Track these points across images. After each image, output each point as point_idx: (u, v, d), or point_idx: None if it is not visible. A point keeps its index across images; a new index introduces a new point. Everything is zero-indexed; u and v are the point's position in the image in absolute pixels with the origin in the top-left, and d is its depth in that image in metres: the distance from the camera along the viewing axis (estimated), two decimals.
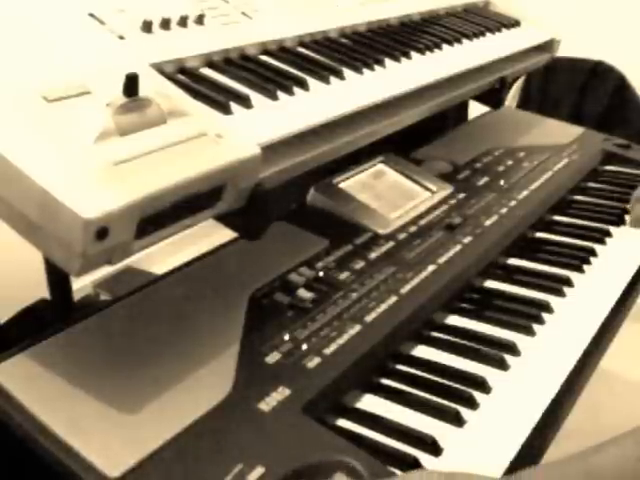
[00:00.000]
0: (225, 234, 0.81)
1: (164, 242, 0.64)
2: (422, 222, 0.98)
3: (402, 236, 0.94)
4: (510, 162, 1.21)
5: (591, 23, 2.19)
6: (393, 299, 0.81)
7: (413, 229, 0.96)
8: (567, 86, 2.11)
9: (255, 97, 0.78)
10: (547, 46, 1.38)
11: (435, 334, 0.82)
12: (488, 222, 1.01)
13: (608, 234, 1.07)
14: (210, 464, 0.58)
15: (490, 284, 0.93)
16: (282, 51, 0.92)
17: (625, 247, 1.05)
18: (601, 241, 1.05)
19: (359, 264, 0.87)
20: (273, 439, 0.61)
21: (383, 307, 0.80)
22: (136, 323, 0.73)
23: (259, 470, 0.57)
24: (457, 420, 0.69)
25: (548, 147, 1.29)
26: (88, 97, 0.62)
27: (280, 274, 0.82)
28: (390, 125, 0.96)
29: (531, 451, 0.67)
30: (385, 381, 0.74)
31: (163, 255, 1.10)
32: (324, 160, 0.85)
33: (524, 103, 2.11)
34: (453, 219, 1.00)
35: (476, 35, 1.21)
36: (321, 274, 0.84)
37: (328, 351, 0.72)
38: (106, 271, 1.03)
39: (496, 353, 0.78)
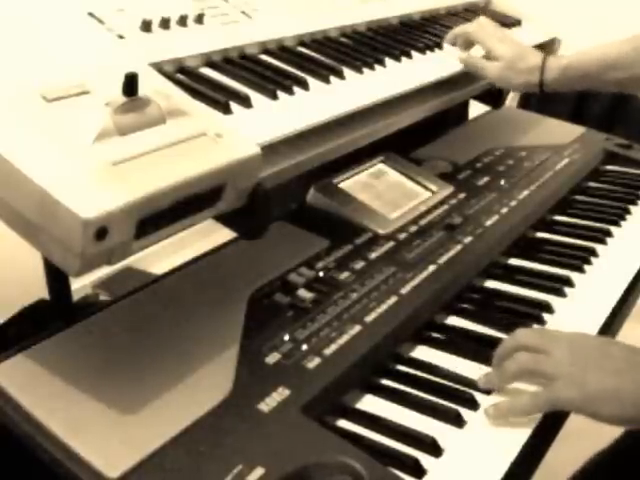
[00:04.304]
0: (225, 234, 0.81)
1: (164, 242, 0.64)
2: (422, 222, 0.98)
3: (402, 236, 0.94)
4: (511, 162, 1.21)
5: (592, 22, 2.19)
6: (393, 299, 0.81)
7: (413, 229, 0.96)
8: None
9: (255, 97, 0.77)
10: (548, 45, 1.38)
11: (435, 334, 0.82)
12: (489, 222, 1.01)
13: (609, 234, 1.07)
14: (210, 465, 0.58)
15: (491, 284, 0.93)
16: (282, 50, 0.92)
17: (626, 247, 1.05)
18: (602, 241, 1.05)
19: (359, 264, 0.86)
20: (273, 440, 0.61)
21: (383, 307, 0.79)
22: (136, 323, 0.72)
23: (259, 471, 0.57)
24: (457, 421, 0.68)
25: (549, 147, 1.29)
26: (87, 97, 0.61)
27: (280, 274, 0.82)
28: (390, 125, 0.96)
29: (532, 452, 0.67)
30: (385, 382, 0.74)
31: (163, 255, 1.10)
32: (324, 160, 0.85)
33: (525, 103, 2.10)
34: (453, 219, 0.99)
35: None
36: (321, 274, 0.83)
37: (328, 351, 0.72)
38: (105, 271, 1.03)
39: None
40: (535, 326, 0.83)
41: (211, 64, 0.83)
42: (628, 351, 0.71)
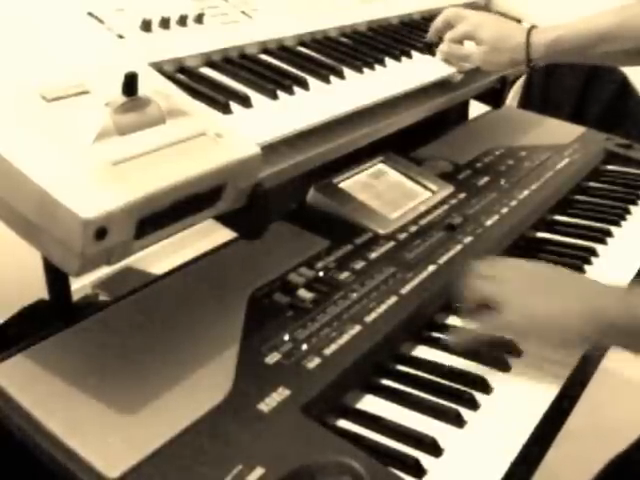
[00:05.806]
0: (225, 234, 0.81)
1: (164, 242, 0.64)
2: (422, 222, 0.98)
3: (402, 236, 0.94)
4: (511, 162, 1.21)
5: None
6: (393, 299, 0.81)
7: (413, 229, 0.96)
8: (568, 85, 2.10)
9: (255, 97, 0.77)
10: None
11: (435, 334, 0.82)
12: (489, 222, 1.01)
13: (609, 234, 1.07)
14: (210, 465, 0.58)
15: None
16: (282, 50, 0.92)
17: (626, 247, 1.05)
18: (602, 241, 1.05)
19: (359, 264, 0.86)
20: (273, 440, 0.61)
21: (383, 307, 0.79)
22: (136, 323, 0.72)
23: (259, 471, 0.57)
24: (457, 421, 0.68)
25: (549, 147, 1.29)
26: (87, 96, 0.61)
27: (280, 274, 0.82)
28: (390, 125, 0.96)
29: (532, 452, 0.67)
30: (385, 381, 0.74)
31: (163, 255, 1.10)
32: (324, 160, 0.85)
33: (525, 102, 2.10)
34: (454, 219, 0.99)
35: None
36: (321, 274, 0.83)
37: (328, 351, 0.72)
38: (105, 271, 1.03)
39: (497, 354, 0.78)
40: None
41: (211, 64, 0.83)
42: (569, 274, 0.76)
